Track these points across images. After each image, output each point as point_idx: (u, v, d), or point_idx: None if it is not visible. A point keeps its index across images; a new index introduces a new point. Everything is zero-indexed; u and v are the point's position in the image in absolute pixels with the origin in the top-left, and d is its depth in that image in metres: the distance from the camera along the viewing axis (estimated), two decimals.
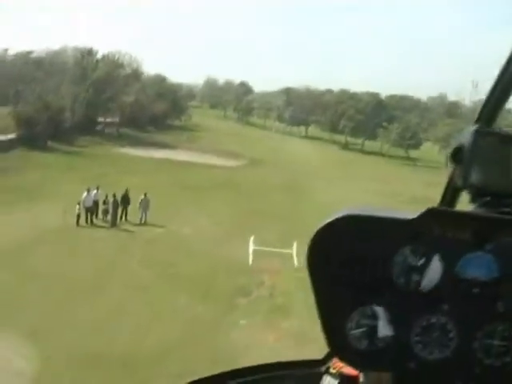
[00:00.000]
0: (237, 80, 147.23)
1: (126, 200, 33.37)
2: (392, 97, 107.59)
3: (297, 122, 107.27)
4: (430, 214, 1.76)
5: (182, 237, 31.30)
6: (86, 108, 68.51)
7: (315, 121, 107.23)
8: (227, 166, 60.40)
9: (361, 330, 1.78)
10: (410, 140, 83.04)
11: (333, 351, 1.90)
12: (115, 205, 32.33)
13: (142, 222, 33.33)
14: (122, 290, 23.07)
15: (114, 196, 32.83)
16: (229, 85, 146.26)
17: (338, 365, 2.28)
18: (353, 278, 1.77)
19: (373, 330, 1.79)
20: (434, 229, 1.77)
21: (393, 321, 1.79)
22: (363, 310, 1.78)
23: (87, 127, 69.09)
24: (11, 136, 55.77)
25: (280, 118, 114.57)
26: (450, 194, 2.22)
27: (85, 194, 32.69)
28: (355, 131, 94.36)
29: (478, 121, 2.01)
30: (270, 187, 48.48)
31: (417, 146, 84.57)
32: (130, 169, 50.81)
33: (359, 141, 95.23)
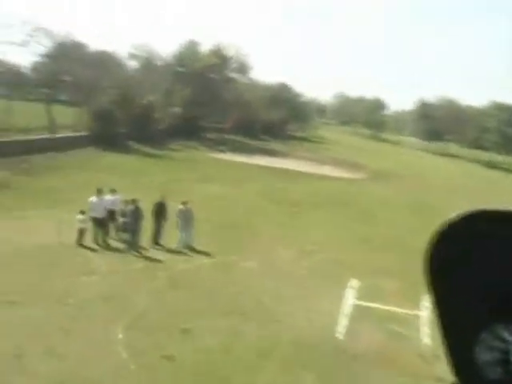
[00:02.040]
0: (369, 96, 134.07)
1: (160, 211, 20.79)
2: None
3: (433, 137, 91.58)
4: None
5: (236, 275, 18.39)
6: (184, 108, 57.23)
7: (454, 138, 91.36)
8: (344, 178, 46.81)
9: (493, 354, 1.27)
10: None
11: (460, 382, 1.35)
12: (135, 216, 19.76)
13: (183, 245, 20.68)
14: None
15: (135, 203, 20.29)
16: (361, 101, 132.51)
17: None
18: (483, 289, 1.27)
19: (508, 354, 1.27)
20: None
21: None
22: (495, 329, 1.28)
23: (186, 130, 57.99)
24: (84, 133, 45.46)
25: (414, 134, 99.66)
26: None
27: (93, 198, 20.50)
28: (503, 148, 77.30)
29: None
30: (394, 207, 34.68)
31: None
32: (216, 175, 38.78)
33: (509, 159, 77.82)
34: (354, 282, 18.17)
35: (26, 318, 13.48)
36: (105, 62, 61.23)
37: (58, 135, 42.59)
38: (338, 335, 14.44)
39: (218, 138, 62.55)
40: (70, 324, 13.36)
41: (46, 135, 41.77)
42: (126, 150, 45.21)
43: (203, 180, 36.12)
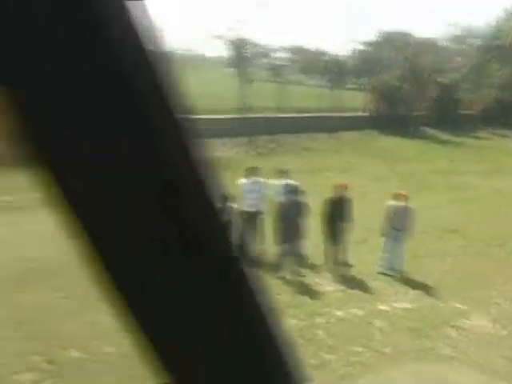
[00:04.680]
0: None
1: (338, 211, 11.87)
2: None
3: None
4: None
5: (441, 344, 8.99)
6: (502, 90, 45.41)
7: None
8: None
9: None
10: None
11: None
12: (294, 216, 11.15)
13: (388, 268, 11.67)
14: None
15: (296, 193, 11.56)
16: None
17: None
18: None
19: None
20: None
21: None
22: None
23: (503, 116, 46.08)
24: (366, 114, 37.73)
25: None
26: None
27: (243, 181, 12.38)
28: None
29: None
30: None
31: None
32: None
33: None
34: None
35: None
36: (427, 48, 52.34)
37: (331, 114, 35.61)
38: None
39: None
40: None
41: (317, 114, 35.12)
42: (414, 134, 36.25)
43: (496, 173, 25.73)
